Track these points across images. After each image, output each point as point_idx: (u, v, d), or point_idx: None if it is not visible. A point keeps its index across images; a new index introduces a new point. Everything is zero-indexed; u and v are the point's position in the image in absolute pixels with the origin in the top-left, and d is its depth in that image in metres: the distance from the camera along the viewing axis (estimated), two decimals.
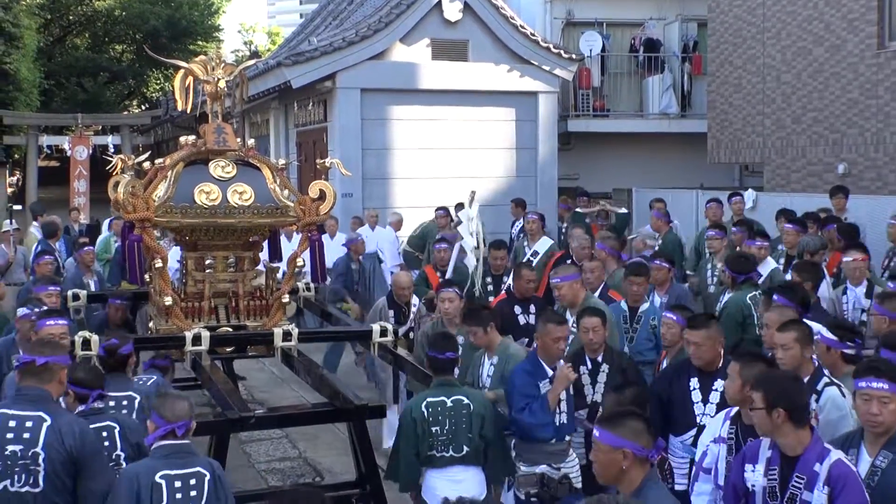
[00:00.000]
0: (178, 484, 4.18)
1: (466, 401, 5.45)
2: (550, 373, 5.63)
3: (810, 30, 14.85)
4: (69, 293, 8.24)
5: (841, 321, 5.97)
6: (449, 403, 5.40)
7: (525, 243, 11.23)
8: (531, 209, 13.62)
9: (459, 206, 13.46)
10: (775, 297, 6.25)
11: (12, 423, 4.32)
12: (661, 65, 19.10)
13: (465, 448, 5.44)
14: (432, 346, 5.67)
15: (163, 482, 4.14)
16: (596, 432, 3.68)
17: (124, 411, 5.24)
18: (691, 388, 5.48)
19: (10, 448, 4.28)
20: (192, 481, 4.19)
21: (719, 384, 5.29)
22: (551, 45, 16.41)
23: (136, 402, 5.35)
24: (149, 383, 5.75)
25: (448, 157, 15.86)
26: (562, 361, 5.79)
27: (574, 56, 16.77)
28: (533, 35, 16.16)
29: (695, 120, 18.85)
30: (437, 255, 9.76)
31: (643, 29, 19.26)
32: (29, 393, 4.44)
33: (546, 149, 16.57)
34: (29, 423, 4.32)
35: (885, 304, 6.02)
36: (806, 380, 4.82)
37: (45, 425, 4.31)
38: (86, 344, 6.14)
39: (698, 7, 18.65)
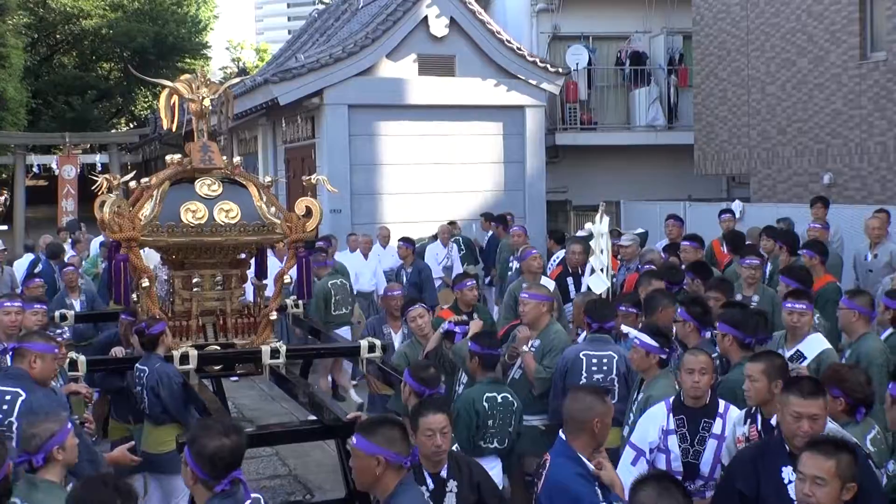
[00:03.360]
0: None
1: (511, 398, 5.75)
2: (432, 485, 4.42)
3: (794, 41, 14.96)
4: (56, 314, 8.23)
5: (657, 327, 5.90)
6: (499, 399, 5.67)
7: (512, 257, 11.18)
8: (520, 223, 13.62)
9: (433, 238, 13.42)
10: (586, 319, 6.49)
11: None
12: (648, 77, 19.20)
13: (507, 441, 5.76)
14: (481, 344, 5.79)
15: None
16: (353, 440, 3.80)
17: (143, 381, 6.13)
18: (786, 482, 4.08)
19: None
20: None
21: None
22: (538, 60, 16.49)
23: (146, 375, 6.13)
24: (156, 365, 6.18)
25: (436, 171, 15.90)
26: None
27: (561, 70, 16.85)
28: (519, 49, 16.23)
29: (682, 132, 18.94)
30: (468, 295, 7.99)
31: (629, 42, 19.37)
32: (12, 372, 5.21)
33: (534, 162, 16.62)
34: (8, 397, 5.05)
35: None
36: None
37: (20, 399, 5.02)
38: (73, 365, 6.16)
39: (683, 20, 18.77)
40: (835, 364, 5.26)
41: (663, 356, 5.49)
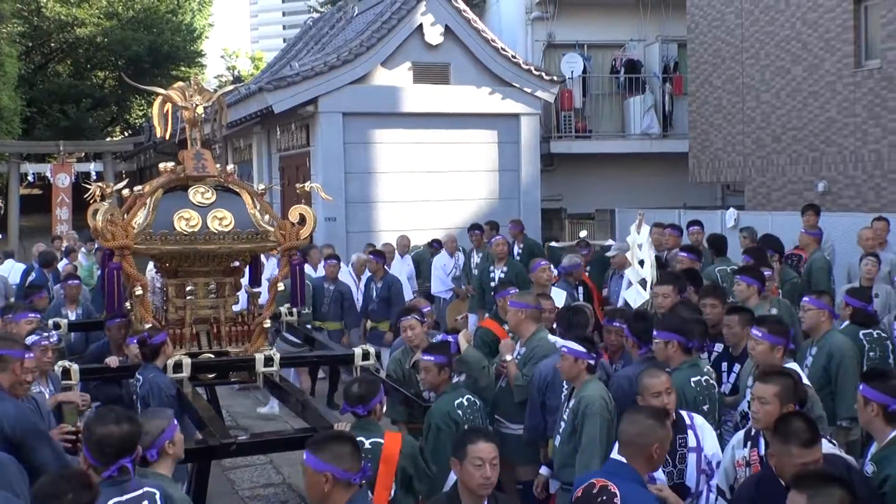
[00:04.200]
0: None
1: (473, 398, 5.73)
2: None
3: (788, 49, 15.00)
4: (50, 322, 8.18)
5: (584, 335, 5.86)
6: (466, 403, 5.65)
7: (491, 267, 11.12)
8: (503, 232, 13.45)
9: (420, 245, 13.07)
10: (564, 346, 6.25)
11: None
12: (643, 85, 19.24)
13: None
14: (445, 355, 5.84)
15: None
16: (304, 456, 3.75)
17: (137, 390, 6.16)
18: None
19: None
20: None
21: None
22: (533, 68, 16.53)
23: (140, 385, 6.12)
24: (150, 375, 6.14)
25: (431, 180, 15.90)
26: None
27: (556, 78, 16.89)
28: (514, 57, 16.26)
29: (676, 140, 18.98)
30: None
31: (624, 50, 19.41)
32: None
33: (529, 170, 16.63)
34: None
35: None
36: None
37: None
38: (66, 373, 6.12)
39: (678, 28, 18.82)
40: (765, 367, 5.19)
41: (591, 361, 5.43)
